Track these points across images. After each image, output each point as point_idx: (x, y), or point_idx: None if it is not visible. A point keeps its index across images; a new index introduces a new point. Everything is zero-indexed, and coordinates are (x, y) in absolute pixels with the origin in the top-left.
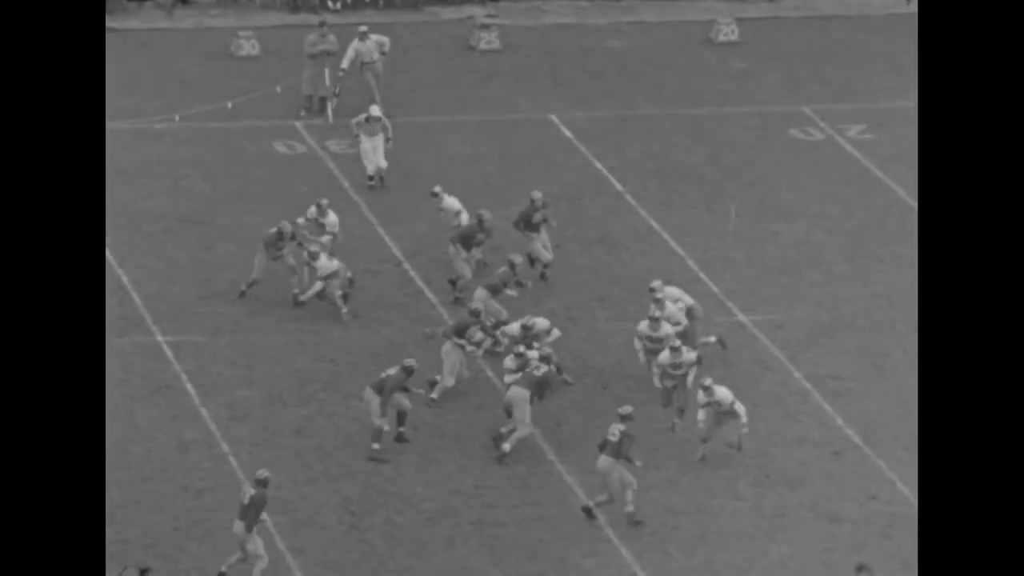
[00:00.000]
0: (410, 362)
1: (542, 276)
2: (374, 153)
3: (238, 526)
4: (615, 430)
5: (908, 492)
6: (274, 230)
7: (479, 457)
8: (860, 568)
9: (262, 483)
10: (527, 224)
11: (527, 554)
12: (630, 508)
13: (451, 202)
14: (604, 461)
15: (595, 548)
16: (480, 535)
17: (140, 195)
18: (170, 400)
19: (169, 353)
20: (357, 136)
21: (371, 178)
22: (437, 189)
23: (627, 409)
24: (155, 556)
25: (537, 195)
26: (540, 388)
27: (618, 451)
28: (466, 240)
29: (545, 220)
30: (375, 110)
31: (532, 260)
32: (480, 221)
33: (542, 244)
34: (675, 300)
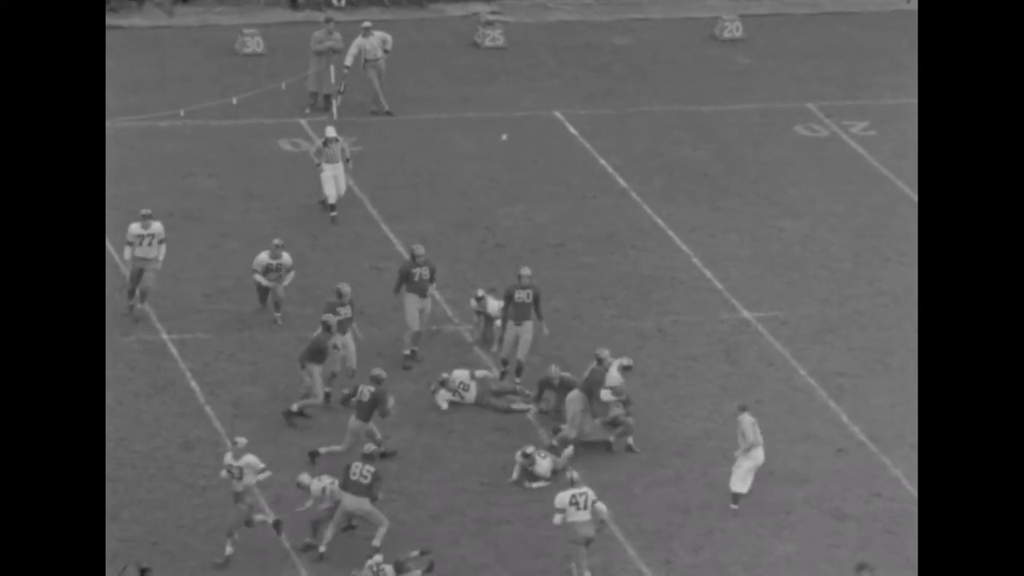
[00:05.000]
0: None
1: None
2: (335, 181)
3: (360, 502)
4: (366, 471)
5: (913, 489)
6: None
7: (484, 455)
8: (861, 567)
9: (376, 380)
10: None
11: (532, 552)
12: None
13: (158, 227)
14: (358, 502)
15: (600, 545)
16: (485, 533)
17: (145, 192)
18: (175, 397)
19: (174, 351)
20: (319, 165)
21: (332, 207)
22: (146, 211)
23: (370, 448)
24: (160, 553)
25: (525, 271)
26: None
27: (371, 491)
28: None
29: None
30: (331, 131)
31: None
32: (339, 295)
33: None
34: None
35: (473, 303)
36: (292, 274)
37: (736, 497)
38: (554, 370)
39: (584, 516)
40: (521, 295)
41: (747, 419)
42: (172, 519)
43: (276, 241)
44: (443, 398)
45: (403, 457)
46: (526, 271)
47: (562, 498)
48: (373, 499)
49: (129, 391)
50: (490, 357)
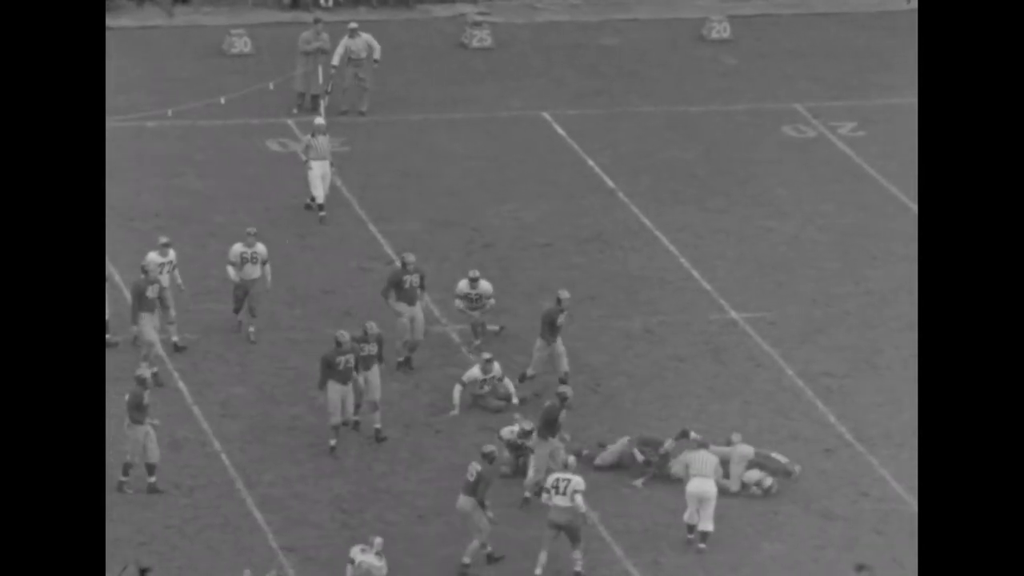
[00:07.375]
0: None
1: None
2: (322, 180)
3: (465, 501)
4: (472, 470)
5: (900, 489)
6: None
7: (471, 455)
8: (860, 568)
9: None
10: (551, 328)
11: (520, 552)
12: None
13: (174, 254)
14: (464, 501)
15: (588, 545)
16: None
17: (132, 192)
18: (162, 398)
19: (161, 351)
20: (306, 162)
21: (321, 207)
22: (164, 239)
23: (488, 447)
24: (148, 554)
25: (564, 294)
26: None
27: (474, 491)
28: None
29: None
30: (319, 120)
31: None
32: (365, 332)
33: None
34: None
35: (464, 285)
36: (268, 267)
37: (689, 528)
38: (692, 434)
39: (561, 502)
40: (562, 318)
41: (687, 456)
42: (160, 519)
43: (250, 230)
44: (456, 402)
45: (390, 456)
46: (565, 294)
47: (549, 480)
48: (479, 501)
49: (117, 391)
50: (480, 360)
